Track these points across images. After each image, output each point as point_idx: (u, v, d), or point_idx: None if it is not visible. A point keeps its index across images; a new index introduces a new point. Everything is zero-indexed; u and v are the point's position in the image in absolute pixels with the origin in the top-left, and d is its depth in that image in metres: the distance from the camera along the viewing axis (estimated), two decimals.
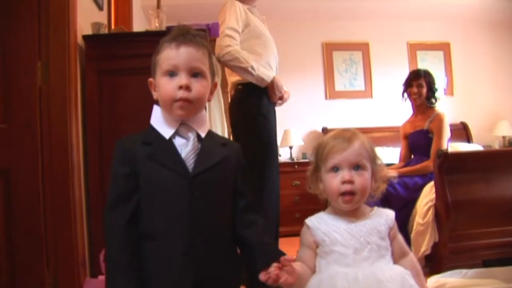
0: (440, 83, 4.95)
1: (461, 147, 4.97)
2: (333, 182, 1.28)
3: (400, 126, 3.78)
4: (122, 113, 2.24)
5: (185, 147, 1.22)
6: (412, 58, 5.76)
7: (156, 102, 1.28)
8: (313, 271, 1.29)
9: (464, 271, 2.61)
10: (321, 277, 1.25)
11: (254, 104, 2.56)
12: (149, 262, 1.16)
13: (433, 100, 3.53)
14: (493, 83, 5.81)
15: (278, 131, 2.73)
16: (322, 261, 1.28)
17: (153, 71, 1.27)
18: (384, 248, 1.28)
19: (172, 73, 1.21)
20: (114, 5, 3.38)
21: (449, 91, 5.75)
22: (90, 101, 2.26)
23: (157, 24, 2.47)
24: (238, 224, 1.27)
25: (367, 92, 5.71)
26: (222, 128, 2.79)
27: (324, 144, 1.32)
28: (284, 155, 5.29)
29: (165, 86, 1.21)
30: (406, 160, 3.63)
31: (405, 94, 3.63)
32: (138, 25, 4.10)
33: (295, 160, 5.18)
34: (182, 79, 1.20)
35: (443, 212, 2.81)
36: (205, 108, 1.34)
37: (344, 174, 1.27)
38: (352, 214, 1.31)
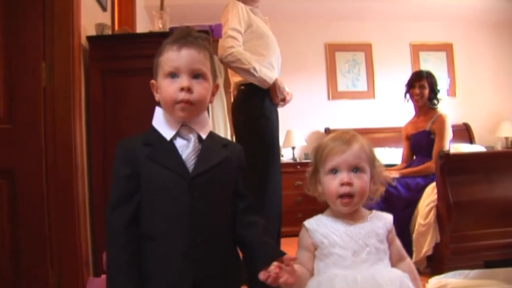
0: (442, 84, 4.96)
1: (464, 148, 4.97)
2: (332, 184, 1.28)
3: (402, 127, 3.79)
4: (126, 113, 2.26)
5: (186, 148, 1.23)
6: (415, 59, 5.75)
7: (158, 104, 1.29)
8: (311, 273, 1.29)
9: (466, 272, 2.62)
10: (319, 279, 1.24)
11: (256, 105, 2.56)
12: (149, 262, 1.17)
13: (435, 101, 3.54)
14: (496, 84, 5.79)
15: (280, 131, 2.73)
16: (320, 264, 1.28)
17: (155, 73, 1.28)
18: (382, 251, 1.28)
19: (173, 75, 1.22)
20: (118, 6, 3.40)
21: (452, 92, 5.74)
22: (94, 102, 2.28)
23: (160, 25, 2.48)
24: (238, 224, 1.27)
25: (370, 93, 5.71)
26: (225, 129, 2.80)
27: (323, 146, 1.32)
28: (286, 155, 5.31)
29: (166, 88, 1.22)
30: (408, 161, 3.64)
31: (407, 95, 3.64)
32: (141, 25, 4.11)
33: (298, 161, 5.18)
34: (183, 81, 1.20)
35: (444, 213, 2.82)
36: (208, 108, 1.35)
37: (343, 176, 1.27)
38: (351, 216, 1.31)
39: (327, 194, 1.30)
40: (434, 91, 3.53)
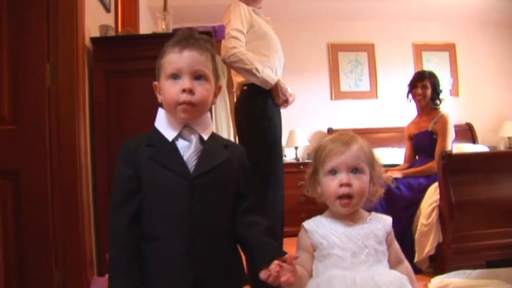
0: (445, 84, 4.96)
1: (467, 148, 4.96)
2: (331, 185, 1.28)
3: (405, 127, 3.79)
4: (129, 113, 2.27)
5: (187, 149, 1.24)
6: (418, 59, 5.75)
7: (161, 105, 1.30)
8: (310, 274, 1.29)
9: (468, 271, 2.63)
10: (318, 280, 1.25)
11: (259, 105, 2.57)
12: (150, 262, 1.18)
13: (438, 102, 3.54)
14: (498, 84, 5.78)
15: (283, 131, 2.74)
16: (319, 265, 1.28)
17: (158, 74, 1.29)
18: (381, 253, 1.28)
19: (175, 77, 1.23)
20: (121, 7, 3.41)
21: (455, 91, 5.74)
22: (97, 102, 2.29)
23: (163, 27, 2.48)
24: (239, 225, 1.28)
25: (372, 93, 5.71)
26: (227, 129, 2.81)
27: (323, 147, 1.32)
28: (289, 155, 5.32)
29: (168, 89, 1.23)
30: (410, 161, 3.64)
31: (410, 95, 3.65)
32: (145, 26, 4.12)
33: (301, 161, 5.19)
34: (185, 82, 1.21)
35: (447, 213, 2.82)
36: (211, 109, 1.36)
37: (342, 177, 1.27)
38: (350, 217, 1.31)
39: (326, 195, 1.31)
40: (436, 91, 3.54)
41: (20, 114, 2.06)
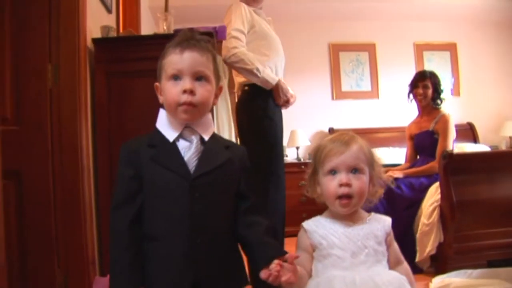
0: (446, 83, 4.96)
1: (468, 147, 4.96)
2: (331, 185, 1.28)
3: (406, 126, 3.79)
4: (130, 114, 2.27)
5: (188, 150, 1.24)
6: (419, 58, 5.74)
7: (162, 106, 1.31)
8: (310, 274, 1.29)
9: (469, 271, 2.63)
10: (318, 280, 1.24)
11: (260, 106, 2.57)
12: (150, 262, 1.19)
13: (439, 101, 3.54)
14: (500, 83, 5.78)
15: (284, 131, 2.74)
16: (318, 265, 1.28)
17: (159, 75, 1.29)
18: (380, 253, 1.28)
19: (176, 78, 1.23)
20: (123, 8, 3.42)
21: (456, 91, 5.73)
22: (99, 103, 2.30)
23: (165, 27, 2.48)
24: (239, 225, 1.28)
25: (374, 93, 5.71)
26: (229, 129, 2.81)
27: (322, 147, 1.32)
28: (290, 155, 5.32)
29: (169, 90, 1.24)
30: (412, 161, 3.64)
31: (411, 95, 3.64)
32: (146, 26, 4.13)
33: (302, 161, 5.19)
34: (186, 83, 1.22)
35: (448, 213, 2.82)
36: (213, 110, 1.36)
37: (342, 177, 1.26)
38: (350, 218, 1.31)
39: (326, 195, 1.31)
40: (437, 91, 3.54)
41: (22, 115, 2.07)
